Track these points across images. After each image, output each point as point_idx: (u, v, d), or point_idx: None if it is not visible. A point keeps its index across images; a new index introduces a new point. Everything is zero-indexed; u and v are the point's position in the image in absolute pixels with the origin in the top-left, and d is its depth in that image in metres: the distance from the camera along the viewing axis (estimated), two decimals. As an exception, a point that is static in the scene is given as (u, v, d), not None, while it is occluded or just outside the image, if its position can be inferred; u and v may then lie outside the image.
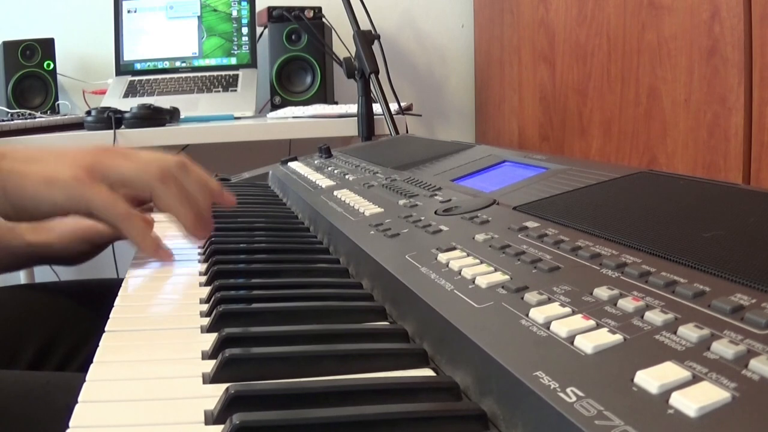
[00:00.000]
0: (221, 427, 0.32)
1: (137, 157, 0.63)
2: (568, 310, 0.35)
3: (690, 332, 0.30)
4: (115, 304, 0.52)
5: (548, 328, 0.34)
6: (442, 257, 0.48)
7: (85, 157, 0.60)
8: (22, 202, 0.58)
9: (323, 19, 2.01)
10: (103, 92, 2.03)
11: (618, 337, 0.32)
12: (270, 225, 0.79)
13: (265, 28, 2.07)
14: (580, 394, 0.28)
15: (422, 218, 0.59)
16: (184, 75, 2.03)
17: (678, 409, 0.26)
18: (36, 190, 0.58)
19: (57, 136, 1.66)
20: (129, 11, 2.05)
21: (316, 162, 1.09)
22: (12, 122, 1.65)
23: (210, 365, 0.39)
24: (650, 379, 0.27)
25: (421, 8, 2.31)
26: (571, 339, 0.33)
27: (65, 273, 2.18)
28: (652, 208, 0.49)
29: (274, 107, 1.98)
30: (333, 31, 2.06)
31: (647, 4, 1.39)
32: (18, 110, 1.91)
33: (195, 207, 0.64)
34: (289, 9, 1.97)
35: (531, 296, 0.38)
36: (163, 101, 1.77)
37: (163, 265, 0.66)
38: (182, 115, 1.78)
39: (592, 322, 0.33)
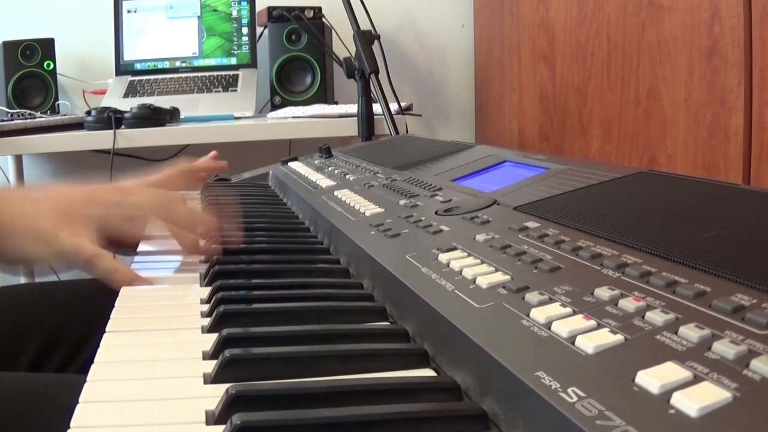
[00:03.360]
0: (222, 427, 0.32)
1: (123, 202, 0.64)
2: (569, 310, 0.35)
3: (691, 332, 0.30)
4: (115, 304, 0.52)
5: (549, 329, 0.34)
6: (443, 257, 0.48)
7: (72, 210, 0.62)
8: (12, 254, 0.60)
9: (323, 19, 2.01)
10: (103, 92, 2.03)
11: (619, 338, 0.32)
12: (270, 225, 0.79)
13: (265, 28, 2.07)
14: (581, 394, 0.28)
15: (423, 218, 0.59)
16: (184, 75, 2.03)
17: (679, 409, 0.26)
18: (24, 247, 0.60)
19: (57, 136, 1.67)
20: (129, 11, 2.05)
21: (316, 162, 1.09)
22: (12, 122, 1.65)
23: (211, 365, 0.39)
24: (651, 379, 0.27)
25: (421, 8, 2.31)
26: (572, 339, 0.33)
27: (65, 273, 2.18)
28: (652, 208, 0.49)
29: (274, 107, 1.98)
30: (333, 31, 2.06)
31: (647, 4, 1.39)
32: (18, 110, 1.91)
33: (187, 237, 0.65)
34: (289, 9, 1.97)
35: (532, 296, 0.38)
36: (163, 101, 1.77)
37: (164, 265, 0.66)
38: (182, 115, 1.78)
39: (593, 323, 0.33)
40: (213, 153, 1.10)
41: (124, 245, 0.75)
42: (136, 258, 0.69)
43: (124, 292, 0.57)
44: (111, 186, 0.70)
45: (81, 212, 0.62)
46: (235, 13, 2.04)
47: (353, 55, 1.55)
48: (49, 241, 0.59)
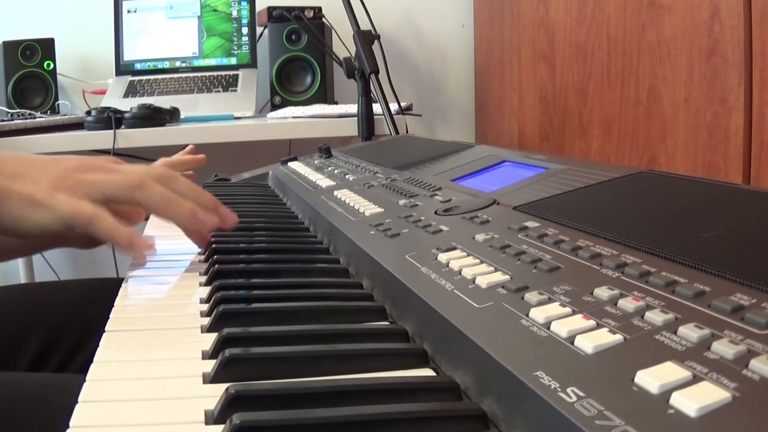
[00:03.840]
0: (221, 427, 0.32)
1: (120, 169, 0.63)
2: (568, 310, 0.35)
3: (690, 332, 0.30)
4: (115, 304, 0.52)
5: (548, 328, 0.34)
6: (443, 257, 0.48)
7: (68, 175, 0.60)
8: (6, 221, 0.58)
9: (323, 19, 2.01)
10: (103, 92, 2.03)
11: (618, 337, 0.32)
12: (270, 225, 0.79)
13: (265, 28, 2.07)
14: (581, 394, 0.28)
15: (422, 218, 0.59)
16: (184, 75, 2.03)
17: (678, 409, 0.26)
18: (19, 212, 0.58)
19: (57, 136, 1.67)
20: (129, 11, 2.05)
21: (316, 162, 1.09)
22: (12, 122, 1.65)
23: (210, 365, 0.39)
24: (650, 379, 0.27)
25: (421, 8, 2.31)
26: (571, 339, 0.32)
27: (65, 273, 2.18)
28: (652, 208, 0.49)
29: (274, 107, 1.98)
30: (333, 31, 2.06)
31: (647, 4, 1.39)
32: (18, 110, 1.91)
33: (185, 204, 0.62)
34: (289, 9, 1.97)
35: (531, 296, 0.38)
36: (163, 101, 1.78)
37: (163, 265, 0.66)
38: (182, 115, 1.78)
39: (592, 322, 0.33)
40: (189, 147, 1.08)
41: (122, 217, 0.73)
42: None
43: (124, 291, 0.57)
44: (107, 156, 0.68)
45: (79, 177, 0.60)
46: (235, 13, 2.04)
47: (353, 55, 1.55)
48: (45, 203, 0.57)
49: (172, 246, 0.72)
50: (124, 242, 0.59)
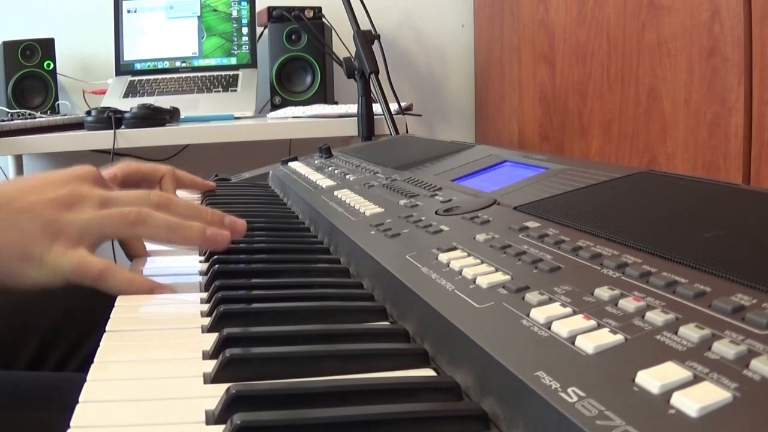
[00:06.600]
0: (222, 427, 0.32)
1: (113, 199, 0.58)
2: (569, 310, 0.35)
3: (691, 332, 0.30)
4: (115, 304, 0.52)
5: (549, 328, 0.34)
6: (443, 257, 0.48)
7: (58, 218, 0.54)
8: (1, 278, 0.53)
9: (323, 19, 2.01)
10: (103, 92, 2.03)
11: (619, 338, 0.32)
12: (270, 225, 0.79)
13: (265, 28, 2.07)
14: (581, 394, 0.28)
15: (423, 218, 0.59)
16: (184, 75, 2.03)
17: (679, 409, 0.26)
18: (13, 268, 0.53)
19: (57, 136, 1.67)
20: (129, 11, 2.05)
21: (316, 162, 1.09)
22: (12, 122, 1.66)
23: (211, 365, 0.39)
24: (651, 379, 0.27)
25: (421, 8, 2.31)
26: (572, 339, 0.32)
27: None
28: (652, 208, 0.49)
29: (274, 107, 1.99)
30: (333, 31, 2.06)
31: (647, 4, 1.39)
32: (18, 110, 1.91)
33: (193, 226, 0.59)
34: (289, 9, 1.98)
35: (532, 296, 0.38)
36: (163, 101, 1.78)
37: (164, 264, 0.66)
38: (182, 115, 1.79)
39: (593, 322, 0.33)
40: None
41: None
42: (133, 263, 0.68)
43: (124, 291, 0.56)
44: (86, 169, 0.61)
45: (71, 217, 0.55)
46: (235, 13, 2.04)
47: (353, 55, 1.55)
48: (42, 259, 0.53)
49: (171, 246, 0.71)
50: (145, 292, 0.55)
